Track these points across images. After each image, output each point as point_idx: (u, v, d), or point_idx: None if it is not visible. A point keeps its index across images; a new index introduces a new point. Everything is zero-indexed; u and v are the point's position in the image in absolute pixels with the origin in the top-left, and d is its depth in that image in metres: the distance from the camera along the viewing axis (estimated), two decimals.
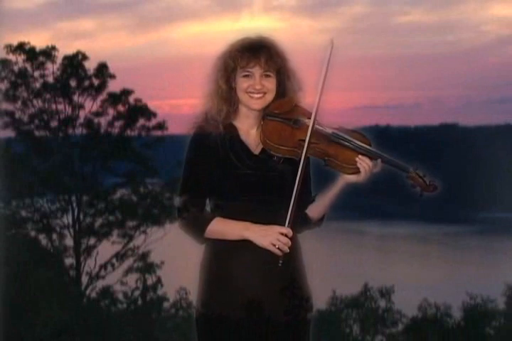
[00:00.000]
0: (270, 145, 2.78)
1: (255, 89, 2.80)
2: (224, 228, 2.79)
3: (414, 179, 2.83)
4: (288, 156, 2.79)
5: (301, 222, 2.90)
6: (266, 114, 2.85)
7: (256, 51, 2.79)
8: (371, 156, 2.80)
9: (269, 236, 2.71)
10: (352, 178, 2.82)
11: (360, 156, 2.78)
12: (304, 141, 2.75)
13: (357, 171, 2.79)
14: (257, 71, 2.80)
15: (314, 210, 2.90)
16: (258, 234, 2.73)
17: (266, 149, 2.81)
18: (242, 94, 2.82)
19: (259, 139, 2.83)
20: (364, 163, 2.78)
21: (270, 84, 2.82)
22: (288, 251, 2.71)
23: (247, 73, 2.80)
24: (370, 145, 2.82)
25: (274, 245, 2.70)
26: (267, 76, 2.81)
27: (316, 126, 2.79)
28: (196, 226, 2.81)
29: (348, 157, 2.78)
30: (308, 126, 2.78)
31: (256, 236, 2.73)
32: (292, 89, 2.88)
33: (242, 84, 2.81)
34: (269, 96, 2.83)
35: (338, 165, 2.79)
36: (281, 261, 2.72)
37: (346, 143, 2.79)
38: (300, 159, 2.75)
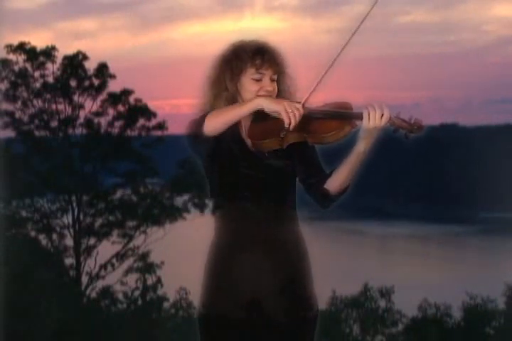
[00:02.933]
0: (256, 143, 2.79)
1: (266, 92, 2.82)
2: (229, 107, 2.74)
3: (396, 123, 2.69)
4: (275, 147, 2.78)
5: (322, 197, 2.87)
6: (253, 119, 2.85)
7: (268, 55, 2.81)
8: (348, 117, 2.72)
9: (283, 103, 2.65)
10: (359, 146, 2.74)
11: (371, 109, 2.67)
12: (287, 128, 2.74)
13: (336, 138, 2.71)
14: (268, 74, 2.82)
15: (332, 184, 2.84)
16: (270, 101, 2.68)
17: (257, 150, 2.81)
18: (249, 96, 2.81)
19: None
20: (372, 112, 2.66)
21: (274, 88, 2.85)
22: (296, 122, 2.64)
23: (258, 76, 2.81)
24: (350, 109, 2.75)
25: (287, 111, 2.63)
26: (273, 80, 2.84)
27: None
28: (196, 120, 2.74)
29: (324, 126, 2.73)
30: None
31: (268, 101, 2.67)
32: (288, 92, 2.89)
33: (251, 86, 2.82)
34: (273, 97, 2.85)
35: (317, 138, 2.75)
36: (284, 133, 2.67)
37: (320, 115, 2.75)
38: (285, 147, 2.75)
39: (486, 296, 24.05)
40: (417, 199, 73.00)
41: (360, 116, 2.69)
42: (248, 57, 2.79)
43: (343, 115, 2.73)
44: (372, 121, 2.66)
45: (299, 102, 2.75)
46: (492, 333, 23.68)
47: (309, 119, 2.75)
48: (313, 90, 2.77)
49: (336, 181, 2.82)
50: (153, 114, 25.71)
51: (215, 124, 2.68)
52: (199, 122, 2.69)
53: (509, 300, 24.16)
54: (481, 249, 58.69)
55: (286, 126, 2.63)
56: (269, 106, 2.64)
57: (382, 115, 2.66)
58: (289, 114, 2.61)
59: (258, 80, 2.81)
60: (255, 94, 2.80)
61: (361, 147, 2.73)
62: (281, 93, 2.88)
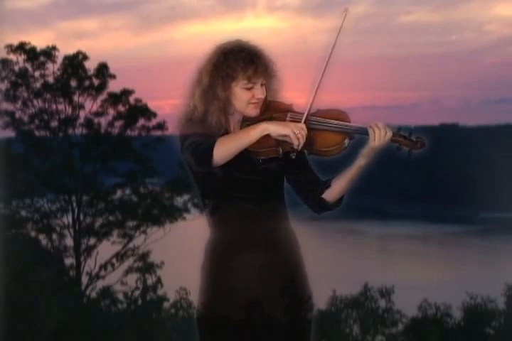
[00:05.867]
0: (252, 151, 2.77)
1: (258, 99, 2.82)
2: (236, 134, 2.73)
3: (399, 141, 2.78)
4: (271, 156, 2.78)
5: (319, 205, 2.93)
6: (242, 121, 2.86)
7: (260, 64, 2.79)
8: (348, 132, 2.77)
9: (290, 126, 2.68)
10: (361, 162, 2.82)
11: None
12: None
13: (339, 152, 2.77)
14: (259, 82, 2.81)
15: (331, 194, 2.90)
16: (277, 125, 2.69)
17: (250, 155, 2.79)
18: (241, 104, 2.82)
19: None
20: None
21: (264, 93, 2.84)
22: (304, 142, 2.67)
23: (250, 85, 2.80)
24: (349, 121, 2.79)
25: (295, 133, 2.66)
26: (263, 85, 2.83)
27: (292, 119, 2.79)
28: (204, 146, 2.68)
29: (326, 140, 2.77)
30: (283, 121, 2.78)
31: (275, 126, 2.68)
32: (273, 89, 2.89)
33: (243, 94, 2.80)
34: (262, 102, 2.85)
35: (318, 151, 2.79)
36: (294, 154, 2.72)
37: (322, 127, 2.77)
38: (282, 155, 2.77)
39: (486, 296, 24.03)
40: (417, 199, 72.96)
41: (363, 132, 2.77)
42: (240, 67, 2.77)
43: (347, 130, 2.77)
44: (378, 140, 2.76)
45: (301, 113, 2.78)
46: (492, 333, 23.66)
47: (310, 130, 2.75)
48: (312, 104, 2.78)
49: (335, 192, 2.89)
50: (153, 114, 25.72)
51: (224, 156, 2.66)
52: (207, 153, 2.65)
53: (509, 300, 24.14)
54: (481, 248, 58.64)
55: (296, 147, 2.68)
56: (277, 130, 2.67)
57: (386, 133, 2.75)
58: (297, 136, 2.66)
59: (249, 88, 2.80)
60: (247, 102, 2.81)
61: (363, 162, 2.83)
62: (266, 92, 2.86)
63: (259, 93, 2.81)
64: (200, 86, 2.83)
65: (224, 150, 2.65)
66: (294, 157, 2.74)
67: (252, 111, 2.83)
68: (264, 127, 2.66)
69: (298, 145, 2.67)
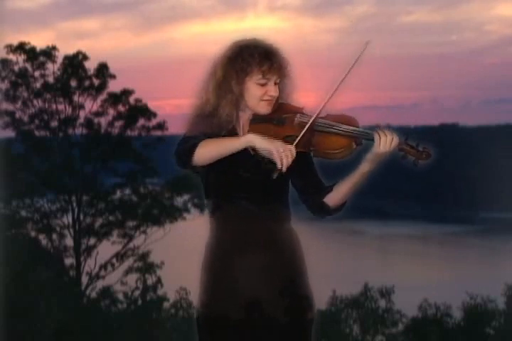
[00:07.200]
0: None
1: (271, 96, 2.82)
2: (222, 140, 2.71)
3: (405, 149, 2.76)
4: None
5: (319, 209, 2.91)
6: (252, 119, 2.85)
7: (276, 61, 2.80)
8: (354, 136, 2.75)
9: (276, 143, 2.65)
10: (365, 168, 2.79)
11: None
12: (290, 136, 2.74)
13: (343, 155, 2.75)
14: (273, 79, 2.81)
15: (332, 199, 2.88)
16: (264, 139, 2.66)
17: (254, 152, 2.77)
18: (253, 100, 2.82)
19: None
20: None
21: (277, 92, 2.84)
22: (289, 164, 2.63)
23: (264, 81, 2.80)
24: (357, 126, 2.77)
25: (279, 151, 2.62)
26: (276, 83, 2.83)
27: (301, 119, 2.79)
28: (188, 144, 2.71)
29: (331, 142, 2.75)
30: (292, 122, 2.79)
31: (261, 139, 2.66)
32: (287, 92, 2.89)
33: (256, 90, 2.81)
34: (274, 101, 2.85)
35: (323, 153, 2.78)
36: (276, 174, 2.65)
37: (329, 129, 2.76)
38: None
39: (486, 296, 24.03)
40: (417, 199, 72.97)
41: (370, 137, 2.74)
42: (255, 62, 2.77)
43: (353, 134, 2.75)
44: (383, 147, 2.73)
45: (310, 116, 2.74)
46: (492, 333, 23.66)
47: (316, 131, 2.75)
48: (322, 109, 2.76)
49: (336, 197, 2.88)
50: (153, 114, 25.73)
51: (204, 158, 2.69)
52: (189, 152, 2.68)
53: (509, 300, 24.15)
54: (481, 248, 58.63)
55: (279, 167, 2.62)
56: (261, 144, 2.65)
57: (392, 140, 2.72)
58: (280, 154, 2.62)
59: (263, 85, 2.80)
60: (260, 99, 2.81)
61: (366, 168, 2.81)
62: (279, 94, 2.86)
63: (272, 90, 2.81)
64: (214, 79, 2.83)
65: (205, 152, 2.67)
66: (274, 177, 2.66)
67: (264, 109, 2.83)
68: (249, 139, 2.66)
69: (281, 166, 2.62)
